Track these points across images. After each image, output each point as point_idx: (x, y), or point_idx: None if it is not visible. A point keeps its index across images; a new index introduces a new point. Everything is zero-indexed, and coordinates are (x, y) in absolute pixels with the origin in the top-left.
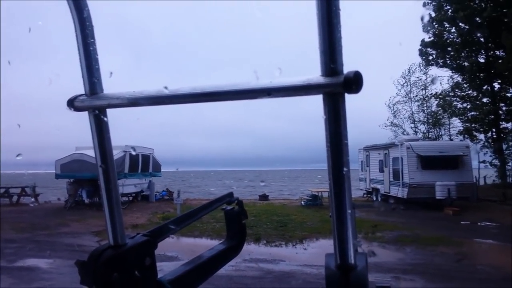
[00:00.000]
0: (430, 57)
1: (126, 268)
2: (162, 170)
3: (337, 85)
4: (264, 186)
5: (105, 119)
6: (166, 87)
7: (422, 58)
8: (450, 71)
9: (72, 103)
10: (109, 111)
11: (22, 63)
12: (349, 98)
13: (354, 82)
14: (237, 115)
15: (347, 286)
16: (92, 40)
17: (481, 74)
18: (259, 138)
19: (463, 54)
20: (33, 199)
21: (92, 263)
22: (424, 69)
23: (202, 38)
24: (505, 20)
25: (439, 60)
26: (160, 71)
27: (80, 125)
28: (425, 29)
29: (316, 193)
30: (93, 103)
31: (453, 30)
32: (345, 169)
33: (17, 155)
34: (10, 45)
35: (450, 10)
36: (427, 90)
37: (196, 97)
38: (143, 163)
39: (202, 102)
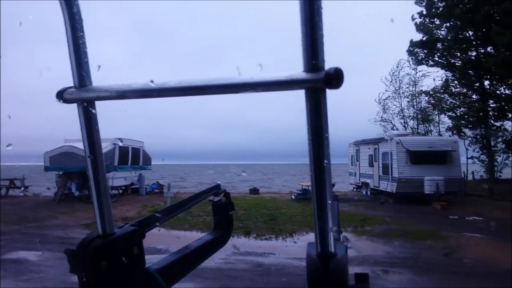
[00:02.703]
0: (420, 57)
1: (114, 256)
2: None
3: (318, 81)
4: (261, 181)
5: (94, 111)
6: (152, 81)
7: (411, 58)
8: (440, 69)
9: (61, 95)
10: (103, 104)
11: (14, 51)
12: (343, 93)
13: (335, 78)
14: (238, 107)
15: (326, 273)
16: (81, 34)
17: (471, 71)
18: (260, 131)
19: (453, 52)
20: (22, 188)
21: (81, 252)
22: (414, 65)
23: (195, 30)
24: (496, 16)
25: (428, 59)
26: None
27: (69, 117)
28: (418, 27)
29: (307, 187)
30: (82, 95)
31: (443, 27)
32: (325, 161)
33: (7, 145)
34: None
35: (441, 7)
36: (416, 86)
37: (183, 90)
38: (133, 156)
39: (189, 96)
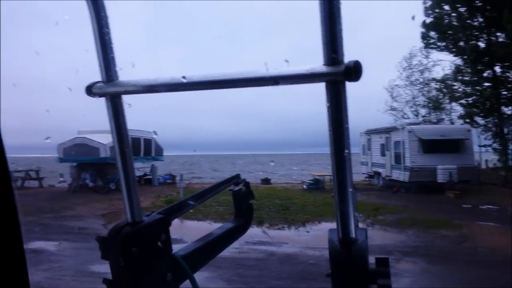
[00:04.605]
0: (431, 40)
1: (143, 243)
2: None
3: (338, 74)
4: (271, 170)
5: (122, 104)
6: (184, 77)
7: (423, 42)
8: (451, 55)
9: (90, 90)
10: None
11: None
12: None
13: (354, 71)
14: (250, 97)
15: (348, 258)
16: (107, 30)
17: (482, 58)
18: (274, 121)
19: (463, 38)
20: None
21: (112, 239)
22: (426, 53)
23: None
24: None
25: (439, 44)
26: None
27: (82, 108)
28: (426, 12)
29: (318, 177)
30: (110, 89)
31: (453, 14)
32: (346, 151)
33: (46, 138)
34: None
35: None
36: (428, 74)
37: (208, 84)
38: (145, 147)
39: (214, 89)
